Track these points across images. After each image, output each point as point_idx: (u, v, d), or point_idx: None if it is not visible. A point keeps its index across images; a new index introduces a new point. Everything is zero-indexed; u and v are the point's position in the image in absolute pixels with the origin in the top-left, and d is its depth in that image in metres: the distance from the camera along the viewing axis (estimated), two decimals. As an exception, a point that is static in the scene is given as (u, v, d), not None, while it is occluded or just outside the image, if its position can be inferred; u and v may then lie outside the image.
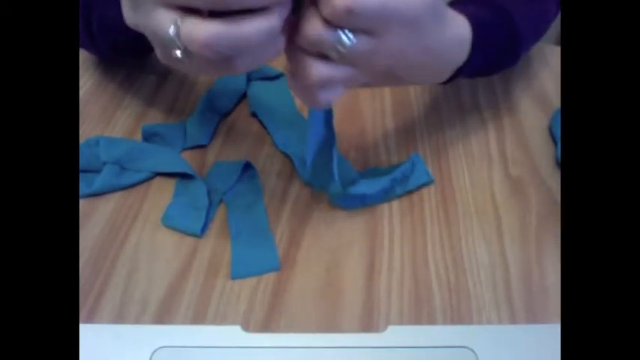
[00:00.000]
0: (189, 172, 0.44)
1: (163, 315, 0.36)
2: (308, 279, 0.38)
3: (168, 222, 0.42)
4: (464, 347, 0.28)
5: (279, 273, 0.39)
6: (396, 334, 0.28)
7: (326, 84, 0.31)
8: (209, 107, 0.50)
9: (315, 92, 0.31)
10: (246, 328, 0.34)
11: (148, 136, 0.48)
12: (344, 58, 0.29)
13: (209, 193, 0.43)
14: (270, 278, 0.38)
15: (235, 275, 0.38)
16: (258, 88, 0.53)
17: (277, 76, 0.55)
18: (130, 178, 0.45)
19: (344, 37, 0.28)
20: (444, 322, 0.35)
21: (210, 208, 0.42)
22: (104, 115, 0.51)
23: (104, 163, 0.45)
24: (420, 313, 0.36)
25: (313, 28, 0.28)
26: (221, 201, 0.43)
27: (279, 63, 0.56)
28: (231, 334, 0.28)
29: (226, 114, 0.51)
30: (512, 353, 0.27)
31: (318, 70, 0.30)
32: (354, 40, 0.28)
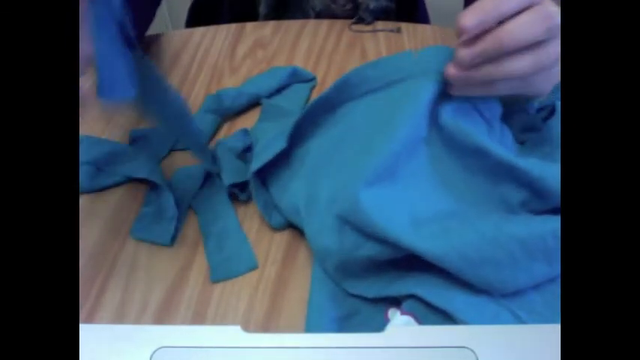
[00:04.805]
0: (158, 181, 0.43)
1: (163, 315, 0.36)
2: (308, 279, 0.38)
3: (137, 234, 0.41)
4: (464, 347, 0.27)
5: (279, 273, 0.39)
6: (396, 334, 0.28)
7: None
8: (212, 109, 0.50)
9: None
10: (246, 328, 0.34)
11: (134, 140, 0.48)
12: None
13: (177, 201, 0.42)
14: (270, 278, 0.38)
15: (215, 278, 0.38)
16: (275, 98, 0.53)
17: (311, 79, 0.55)
18: (102, 181, 0.44)
19: None
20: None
21: (180, 216, 0.42)
22: (104, 114, 0.52)
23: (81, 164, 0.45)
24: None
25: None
26: (189, 207, 0.43)
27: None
28: (231, 334, 0.28)
29: (229, 115, 0.51)
30: (512, 353, 0.27)
31: None
32: None
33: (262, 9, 0.66)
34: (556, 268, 0.33)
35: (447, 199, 0.38)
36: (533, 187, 0.36)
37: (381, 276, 0.36)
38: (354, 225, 0.35)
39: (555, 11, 0.34)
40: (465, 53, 0.36)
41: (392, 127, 0.37)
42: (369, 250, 0.35)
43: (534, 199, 0.37)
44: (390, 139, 0.36)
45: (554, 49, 0.35)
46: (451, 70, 0.37)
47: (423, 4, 0.77)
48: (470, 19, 0.33)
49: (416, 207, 0.36)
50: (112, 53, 0.32)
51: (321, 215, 0.37)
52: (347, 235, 0.36)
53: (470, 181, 0.38)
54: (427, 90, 0.37)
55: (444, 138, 0.38)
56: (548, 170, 0.36)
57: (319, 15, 0.66)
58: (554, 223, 0.33)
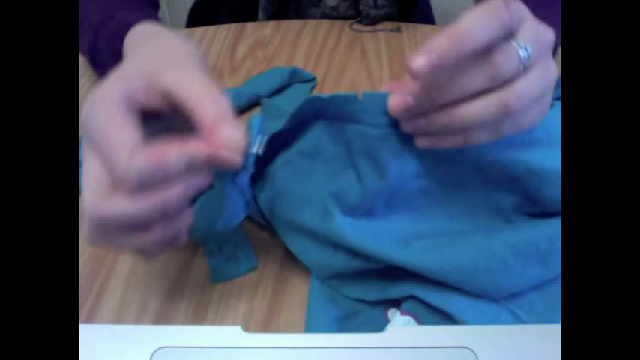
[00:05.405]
0: None
1: (163, 315, 0.36)
2: (308, 279, 0.38)
3: None
4: (464, 347, 0.27)
5: (279, 273, 0.39)
6: (396, 334, 0.28)
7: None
8: None
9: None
10: (246, 328, 0.34)
11: None
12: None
13: None
14: (270, 278, 0.38)
15: (215, 279, 0.38)
16: (276, 99, 0.53)
17: (310, 80, 0.54)
18: None
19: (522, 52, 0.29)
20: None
21: None
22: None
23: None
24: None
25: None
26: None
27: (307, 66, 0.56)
28: (231, 334, 0.28)
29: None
30: (512, 353, 0.27)
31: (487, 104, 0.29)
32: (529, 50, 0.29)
33: (261, 16, 0.66)
34: (552, 270, 0.34)
35: (439, 221, 0.37)
36: (526, 177, 0.35)
37: (379, 280, 0.36)
38: (342, 246, 0.35)
39: (512, 53, 0.29)
40: (394, 104, 0.31)
41: (362, 180, 0.35)
42: (363, 263, 0.35)
43: (527, 203, 0.36)
44: (362, 191, 0.35)
45: (523, 90, 0.30)
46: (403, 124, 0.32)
47: (429, 6, 0.77)
48: (422, 61, 0.27)
49: (403, 232, 0.36)
50: (234, 211, 0.34)
51: (306, 238, 0.37)
52: (338, 251, 0.36)
53: (462, 196, 0.37)
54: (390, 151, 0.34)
55: (440, 158, 0.36)
56: (543, 160, 0.34)
57: None
58: (545, 226, 0.33)
